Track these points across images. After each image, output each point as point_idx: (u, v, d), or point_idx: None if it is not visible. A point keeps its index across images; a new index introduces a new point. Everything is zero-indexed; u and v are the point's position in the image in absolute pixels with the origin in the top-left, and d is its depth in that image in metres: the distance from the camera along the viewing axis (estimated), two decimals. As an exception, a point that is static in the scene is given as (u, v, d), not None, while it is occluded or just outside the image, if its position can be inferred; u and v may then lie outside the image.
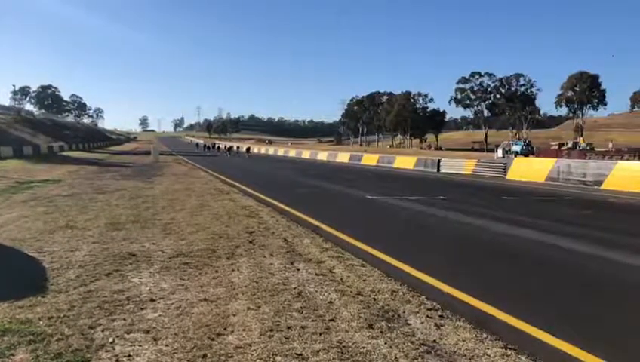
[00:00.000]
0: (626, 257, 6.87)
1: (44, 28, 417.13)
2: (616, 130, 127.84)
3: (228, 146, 73.48)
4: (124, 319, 4.03)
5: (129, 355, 3.39)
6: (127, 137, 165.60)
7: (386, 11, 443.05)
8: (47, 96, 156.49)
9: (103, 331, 3.77)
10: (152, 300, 4.53)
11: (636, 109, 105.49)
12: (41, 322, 3.91)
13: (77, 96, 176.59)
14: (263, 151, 79.77)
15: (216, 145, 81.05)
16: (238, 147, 77.70)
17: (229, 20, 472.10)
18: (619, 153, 50.63)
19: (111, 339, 3.62)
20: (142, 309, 4.29)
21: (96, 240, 7.20)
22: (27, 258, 6.12)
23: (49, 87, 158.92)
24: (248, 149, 69.21)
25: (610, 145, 69.04)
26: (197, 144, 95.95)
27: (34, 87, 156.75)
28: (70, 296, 4.56)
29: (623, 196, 15.60)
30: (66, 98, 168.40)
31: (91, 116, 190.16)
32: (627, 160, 35.29)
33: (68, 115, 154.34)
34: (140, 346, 3.53)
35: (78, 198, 12.54)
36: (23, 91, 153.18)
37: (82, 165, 30.56)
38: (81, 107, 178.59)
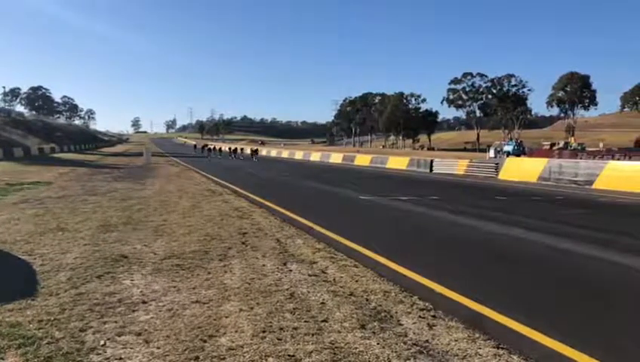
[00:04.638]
0: (618, 256, 6.91)
1: (35, 28, 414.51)
2: (607, 130, 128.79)
3: (233, 148, 64.49)
4: (116, 321, 4.00)
5: (120, 358, 3.37)
6: (120, 139, 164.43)
7: (379, 13, 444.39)
8: (38, 98, 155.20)
9: (94, 334, 3.74)
10: (144, 302, 4.50)
11: (626, 109, 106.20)
12: (31, 325, 3.87)
13: (68, 98, 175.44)
14: (248, 151, 78.78)
15: (218, 148, 70.26)
16: (242, 149, 67.03)
17: (222, 22, 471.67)
18: (609, 153, 51.04)
19: (102, 342, 3.60)
20: (133, 311, 4.26)
21: (88, 242, 7.15)
22: (17, 260, 6.06)
23: (40, 88, 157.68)
24: (256, 151, 58.13)
25: (601, 145, 69.60)
26: (195, 146, 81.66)
27: (24, 89, 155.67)
28: (61, 299, 4.52)
29: (613, 196, 15.71)
30: (57, 99, 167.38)
31: (83, 117, 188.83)
32: (617, 160, 35.57)
33: (59, 117, 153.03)
34: (132, 348, 3.51)
35: (69, 200, 12.46)
36: (14, 92, 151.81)
37: (73, 167, 30.35)
38: (72, 108, 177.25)
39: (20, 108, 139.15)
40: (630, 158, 41.22)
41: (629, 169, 18.77)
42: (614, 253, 7.12)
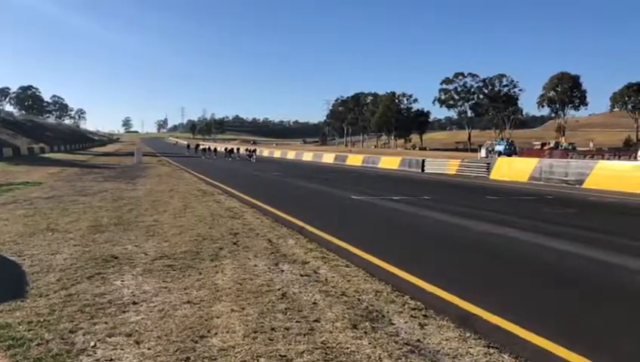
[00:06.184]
0: (604, 255, 6.97)
1: (25, 27, 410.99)
2: (597, 129, 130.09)
3: (229, 148, 61.11)
4: (106, 322, 3.97)
5: (111, 359, 3.34)
6: (110, 138, 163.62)
7: (372, 13, 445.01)
8: (28, 97, 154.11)
9: (84, 335, 3.71)
10: (135, 303, 4.47)
11: (616, 109, 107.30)
12: (20, 327, 3.84)
13: (58, 97, 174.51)
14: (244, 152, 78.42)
15: (213, 148, 65.96)
16: (238, 149, 63.36)
17: (213, 21, 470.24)
18: (599, 153, 51.59)
19: (92, 343, 3.57)
20: (124, 312, 4.23)
21: (78, 242, 7.09)
22: (6, 261, 6.00)
23: (29, 87, 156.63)
24: (254, 151, 53.89)
25: (591, 144, 70.23)
26: (188, 146, 77.04)
27: (14, 88, 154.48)
28: (50, 300, 4.49)
29: (603, 195, 15.85)
30: (47, 99, 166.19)
31: (73, 117, 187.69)
32: (607, 159, 35.92)
33: (49, 116, 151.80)
34: (122, 350, 3.48)
35: (59, 201, 12.36)
36: (3, 92, 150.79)
37: (64, 167, 30.13)
38: (62, 108, 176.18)
39: (9, 107, 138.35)
40: (620, 158, 41.73)
41: (618, 168, 18.96)
42: (607, 253, 7.17)
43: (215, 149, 65.21)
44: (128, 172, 25.67)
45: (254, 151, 55.61)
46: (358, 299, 4.69)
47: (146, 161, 38.58)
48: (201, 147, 66.00)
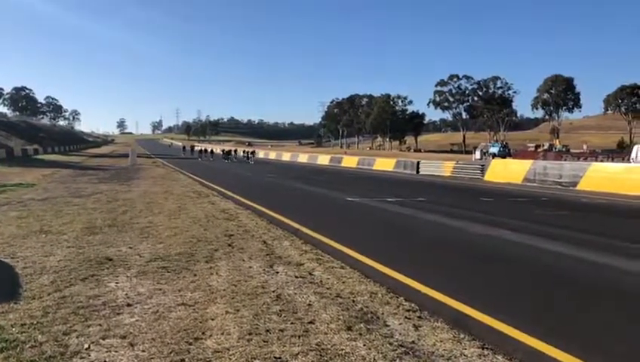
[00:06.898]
0: (596, 256, 7.01)
1: (18, 28, 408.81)
2: (591, 131, 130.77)
3: (227, 150, 59.30)
4: (100, 324, 3.96)
5: (105, 361, 3.34)
6: (105, 140, 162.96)
7: (367, 16, 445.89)
8: (22, 98, 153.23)
9: (77, 337, 3.70)
10: (129, 305, 4.46)
11: (609, 112, 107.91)
12: (13, 329, 3.81)
13: (52, 98, 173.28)
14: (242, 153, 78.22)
15: (210, 150, 64.76)
16: (235, 150, 61.31)
17: (208, 22, 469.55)
18: (593, 155, 51.91)
19: (86, 345, 3.55)
20: (118, 314, 4.22)
21: (72, 244, 7.06)
22: (-1, 263, 5.97)
23: (23, 88, 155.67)
24: (253, 153, 52.19)
25: (585, 146, 70.62)
26: (184, 147, 75.72)
27: (7, 89, 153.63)
28: (44, 302, 4.46)
29: (596, 197, 15.93)
30: (41, 100, 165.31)
31: (67, 118, 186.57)
32: (601, 161, 36.13)
33: (43, 117, 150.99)
34: (116, 352, 3.47)
35: (53, 202, 12.30)
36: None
37: (58, 168, 29.98)
38: (56, 109, 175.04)
39: (2, 108, 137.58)
40: (613, 160, 41.95)
41: (611, 170, 19.07)
42: (599, 254, 7.22)
43: (212, 151, 64.25)
44: (123, 174, 25.59)
45: (252, 152, 54.65)
46: (353, 301, 4.69)
47: (140, 162, 38.45)
48: (197, 148, 65.29)
